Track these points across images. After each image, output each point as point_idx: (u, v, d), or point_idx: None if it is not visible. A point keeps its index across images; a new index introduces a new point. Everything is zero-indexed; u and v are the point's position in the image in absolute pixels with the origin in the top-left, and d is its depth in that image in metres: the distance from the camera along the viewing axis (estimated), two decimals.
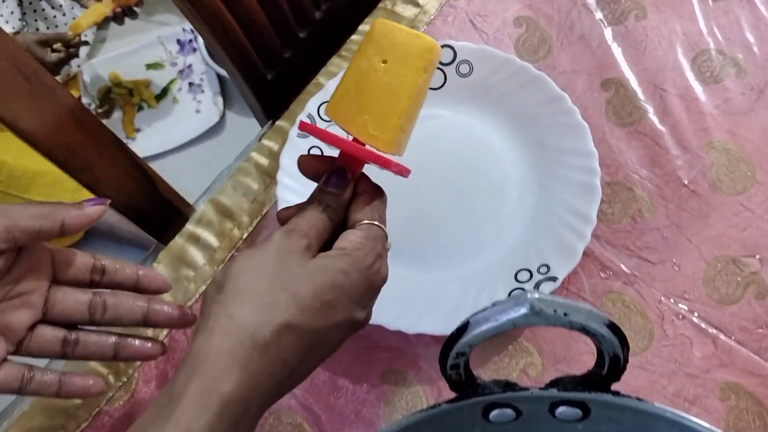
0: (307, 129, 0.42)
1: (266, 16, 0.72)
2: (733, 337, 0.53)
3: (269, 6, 0.72)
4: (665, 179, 0.59)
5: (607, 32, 0.66)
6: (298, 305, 0.35)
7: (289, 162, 0.61)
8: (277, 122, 0.66)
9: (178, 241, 0.62)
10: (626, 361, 0.39)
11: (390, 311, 0.54)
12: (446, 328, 0.52)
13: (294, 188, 0.60)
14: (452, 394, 0.41)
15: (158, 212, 0.66)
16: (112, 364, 0.57)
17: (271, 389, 0.34)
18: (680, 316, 0.54)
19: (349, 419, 0.53)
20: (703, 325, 0.54)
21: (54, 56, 1.29)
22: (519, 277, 0.55)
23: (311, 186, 0.57)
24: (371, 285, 0.39)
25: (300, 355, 0.35)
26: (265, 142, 0.65)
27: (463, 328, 0.38)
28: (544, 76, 0.61)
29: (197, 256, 0.61)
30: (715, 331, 0.53)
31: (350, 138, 0.41)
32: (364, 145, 0.41)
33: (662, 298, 0.55)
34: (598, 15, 0.66)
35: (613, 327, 0.37)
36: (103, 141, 0.56)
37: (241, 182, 0.63)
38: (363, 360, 0.55)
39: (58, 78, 1.49)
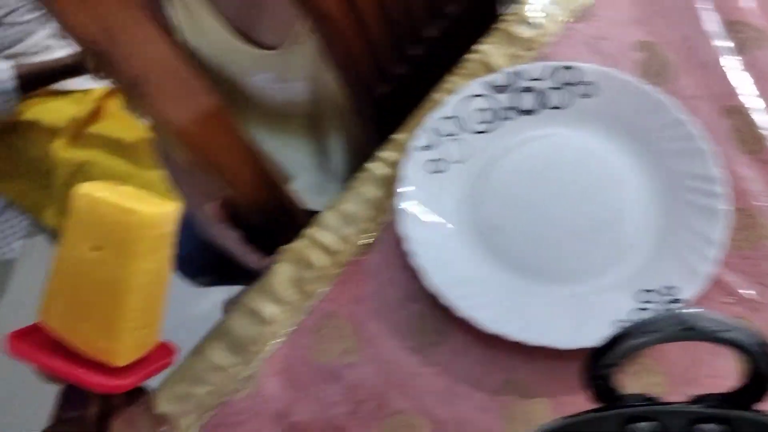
0: (18, 352, 0.32)
1: (382, 30, 0.74)
2: None
3: (385, 20, 0.74)
4: None
5: (731, 60, 0.66)
6: None
7: (408, 174, 0.63)
8: (393, 135, 0.68)
9: (299, 242, 0.64)
10: None
11: (512, 322, 0.55)
12: (569, 342, 0.53)
13: (414, 195, 0.62)
14: (570, 409, 0.42)
15: (278, 219, 0.69)
16: (237, 355, 0.60)
17: None
18: None
19: (469, 426, 0.54)
20: None
21: None
22: (643, 297, 0.55)
23: (434, 199, 0.59)
24: None
25: None
26: (382, 154, 0.67)
27: (614, 341, 0.39)
28: (668, 100, 0.62)
29: (319, 258, 0.63)
30: None
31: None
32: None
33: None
34: (722, 43, 0.66)
35: (765, 346, 0.38)
36: (235, 141, 0.59)
37: (360, 191, 0.66)
38: (483, 368, 0.56)
39: None
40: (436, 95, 0.68)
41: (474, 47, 0.71)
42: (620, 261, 0.58)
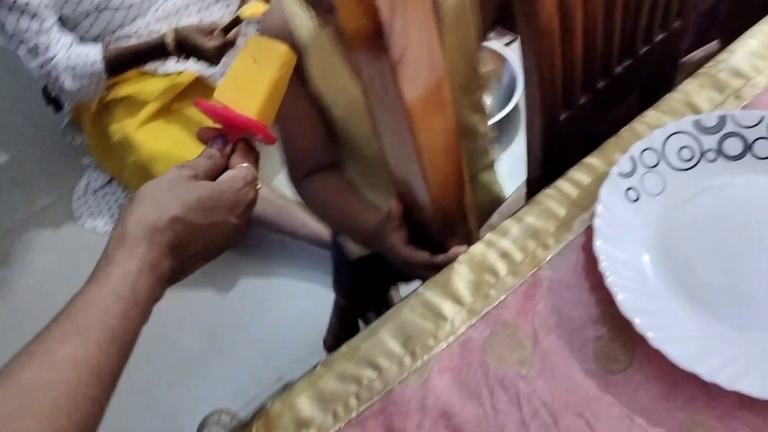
0: (201, 105, 0.58)
1: (581, 53, 0.75)
2: None
3: (587, 43, 0.75)
4: None
5: None
6: (185, 206, 0.50)
7: (606, 197, 0.62)
8: (587, 158, 0.68)
9: (479, 246, 0.64)
10: None
11: (705, 362, 0.53)
12: (763, 391, 0.51)
13: (610, 219, 0.61)
14: None
15: (452, 221, 0.69)
16: (409, 345, 0.60)
17: (173, 262, 0.50)
18: None
19: None
20: None
21: (212, 43, 1.39)
22: None
23: (628, 226, 0.58)
24: (239, 201, 0.54)
25: (189, 237, 0.51)
26: (574, 174, 0.67)
27: None
28: None
29: (499, 265, 0.63)
30: None
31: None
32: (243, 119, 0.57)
33: None
34: None
35: None
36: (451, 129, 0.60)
37: (546, 206, 0.65)
38: (665, 404, 0.54)
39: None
40: (637, 126, 0.68)
41: (678, 87, 0.70)
42: None
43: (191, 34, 1.42)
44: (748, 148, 0.64)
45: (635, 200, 0.63)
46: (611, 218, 0.61)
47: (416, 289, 0.63)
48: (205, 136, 0.59)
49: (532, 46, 0.69)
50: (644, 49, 0.83)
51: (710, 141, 0.64)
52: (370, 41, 0.49)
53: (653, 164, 0.64)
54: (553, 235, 0.64)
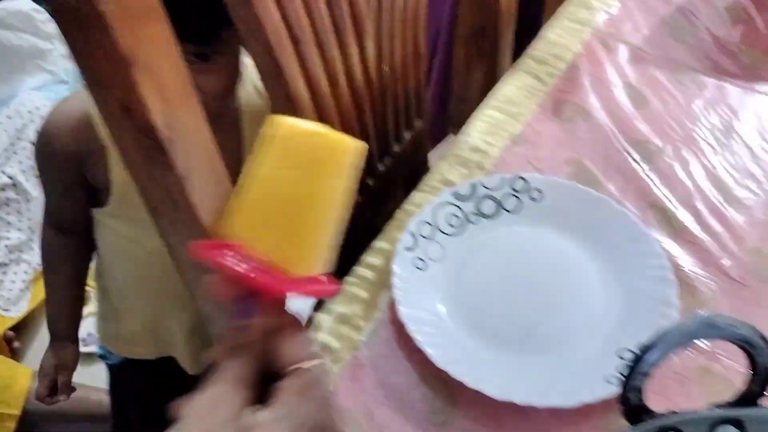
0: (201, 251, 0.35)
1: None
2: None
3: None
4: (719, 277, 0.70)
5: (642, 168, 0.80)
6: None
7: (399, 271, 0.69)
8: (376, 243, 0.74)
9: None
10: None
11: (517, 390, 0.60)
12: (570, 401, 0.58)
13: (406, 289, 0.67)
14: None
15: None
16: None
17: None
18: None
19: None
20: None
21: None
22: (625, 353, 0.62)
23: (424, 291, 0.65)
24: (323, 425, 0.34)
25: None
26: (368, 259, 0.73)
27: (648, 348, 0.45)
28: (605, 197, 0.74)
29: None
30: None
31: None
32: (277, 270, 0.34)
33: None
34: (633, 155, 0.82)
35: (765, 340, 0.46)
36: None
37: (351, 293, 0.70)
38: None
39: None
40: (409, 207, 0.77)
41: (434, 169, 0.81)
42: (598, 327, 0.65)
43: None
44: (499, 205, 0.75)
45: (423, 268, 0.70)
46: (408, 288, 0.68)
47: None
48: (223, 295, 0.35)
49: None
50: (398, 148, 0.95)
51: (469, 206, 0.75)
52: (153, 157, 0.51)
53: (429, 235, 0.73)
54: (363, 317, 0.68)
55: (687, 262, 0.72)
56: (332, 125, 0.77)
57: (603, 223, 0.73)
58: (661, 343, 0.45)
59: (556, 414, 0.60)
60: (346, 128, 0.80)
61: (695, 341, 0.45)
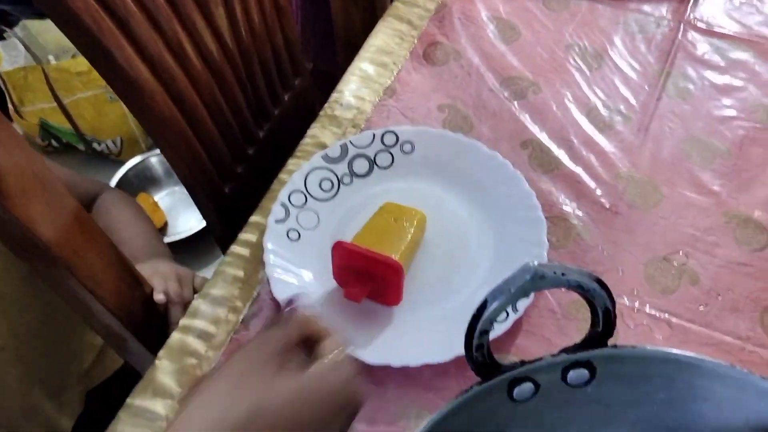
0: (342, 244, 0.62)
1: (219, 134, 0.81)
2: (683, 318, 0.62)
3: (220, 125, 0.81)
4: (591, 207, 0.71)
5: (514, 106, 0.79)
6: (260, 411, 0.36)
7: (272, 245, 0.67)
8: (251, 218, 0.72)
9: (175, 335, 0.65)
10: (615, 315, 0.47)
11: (393, 353, 0.60)
12: (449, 355, 0.59)
13: (281, 264, 0.66)
14: None
15: (146, 316, 0.69)
16: None
17: None
18: (635, 310, 0.63)
19: None
20: (656, 313, 0.63)
21: None
22: None
23: (298, 263, 0.64)
24: (347, 400, 0.40)
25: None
26: (243, 236, 0.71)
27: (482, 307, 0.45)
28: (475, 142, 0.73)
29: (197, 345, 0.64)
30: (667, 315, 0.63)
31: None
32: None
33: (616, 298, 0.64)
34: (504, 94, 0.80)
35: (601, 283, 0.46)
36: (101, 243, 0.61)
37: (227, 274, 0.69)
38: (391, 405, 0.60)
39: None
40: (283, 176, 0.74)
41: (307, 133, 0.79)
42: (473, 276, 0.65)
43: None
44: (372, 163, 0.74)
45: (298, 239, 0.69)
46: (281, 263, 0.66)
47: (125, 402, 0.62)
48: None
49: (167, 146, 0.73)
50: (277, 111, 0.92)
51: (341, 168, 0.73)
52: None
53: (302, 203, 0.71)
54: (239, 298, 0.67)
55: (560, 196, 0.72)
56: (189, 102, 0.74)
57: (474, 168, 0.72)
58: (492, 301, 0.44)
59: (435, 369, 0.60)
60: (207, 103, 0.77)
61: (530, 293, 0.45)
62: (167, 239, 1.65)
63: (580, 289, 0.45)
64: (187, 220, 1.69)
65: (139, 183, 1.76)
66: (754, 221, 0.69)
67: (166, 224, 1.71)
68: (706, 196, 0.71)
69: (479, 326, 0.45)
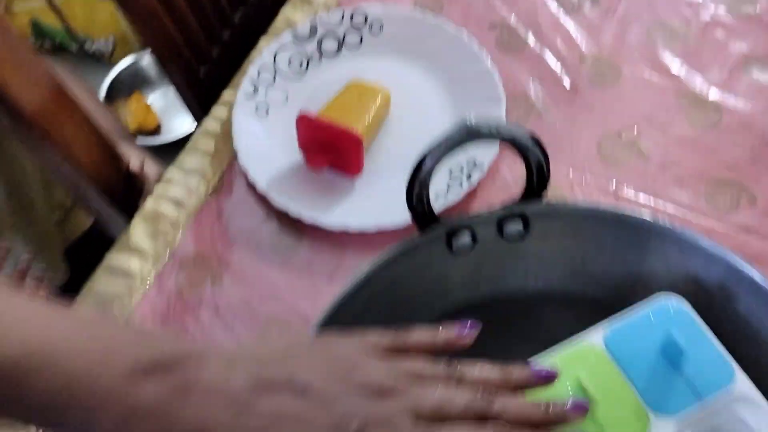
0: (306, 117, 0.65)
1: (194, 17, 0.82)
2: (630, 187, 0.65)
3: (195, 8, 0.82)
4: (552, 87, 0.73)
5: None
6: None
7: (240, 119, 0.70)
8: (223, 94, 0.75)
9: (150, 201, 0.69)
10: (549, 170, 0.50)
11: (351, 217, 0.63)
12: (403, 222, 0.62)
13: (248, 139, 0.69)
14: None
15: (123, 185, 0.73)
16: (110, 309, 0.63)
17: None
18: (584, 182, 0.66)
19: None
20: (605, 182, 0.66)
21: None
22: (454, 172, 0.65)
23: (266, 137, 0.66)
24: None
25: None
26: (214, 111, 0.74)
27: (421, 161, 0.48)
28: (442, 22, 0.74)
29: (170, 209, 0.68)
30: (615, 185, 0.66)
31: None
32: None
33: (570, 170, 0.67)
34: None
35: (535, 140, 0.48)
36: (76, 111, 0.63)
37: (198, 146, 0.72)
38: (335, 262, 0.64)
39: None
40: (253, 55, 0.76)
41: (279, 12, 0.80)
42: None
43: None
44: (341, 42, 0.75)
45: (267, 115, 0.71)
46: (248, 136, 0.69)
47: (101, 262, 0.66)
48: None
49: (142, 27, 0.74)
50: None
51: (310, 46, 0.75)
52: None
53: (272, 80, 0.73)
54: (210, 168, 0.70)
55: (523, 76, 0.74)
56: None
57: (440, 48, 0.74)
58: (431, 153, 0.47)
59: (391, 236, 0.64)
60: None
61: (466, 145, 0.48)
62: (160, 140, 1.67)
63: (513, 142, 0.48)
64: (181, 122, 1.70)
65: (132, 84, 1.77)
66: (709, 102, 0.71)
67: (159, 126, 1.73)
68: (664, 77, 0.72)
69: (419, 178, 0.48)
